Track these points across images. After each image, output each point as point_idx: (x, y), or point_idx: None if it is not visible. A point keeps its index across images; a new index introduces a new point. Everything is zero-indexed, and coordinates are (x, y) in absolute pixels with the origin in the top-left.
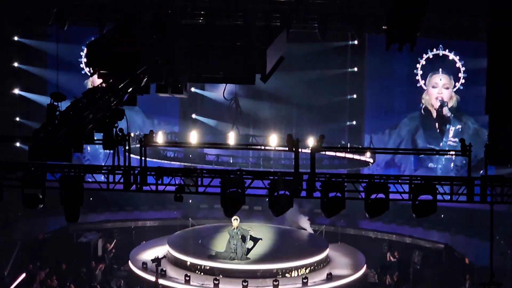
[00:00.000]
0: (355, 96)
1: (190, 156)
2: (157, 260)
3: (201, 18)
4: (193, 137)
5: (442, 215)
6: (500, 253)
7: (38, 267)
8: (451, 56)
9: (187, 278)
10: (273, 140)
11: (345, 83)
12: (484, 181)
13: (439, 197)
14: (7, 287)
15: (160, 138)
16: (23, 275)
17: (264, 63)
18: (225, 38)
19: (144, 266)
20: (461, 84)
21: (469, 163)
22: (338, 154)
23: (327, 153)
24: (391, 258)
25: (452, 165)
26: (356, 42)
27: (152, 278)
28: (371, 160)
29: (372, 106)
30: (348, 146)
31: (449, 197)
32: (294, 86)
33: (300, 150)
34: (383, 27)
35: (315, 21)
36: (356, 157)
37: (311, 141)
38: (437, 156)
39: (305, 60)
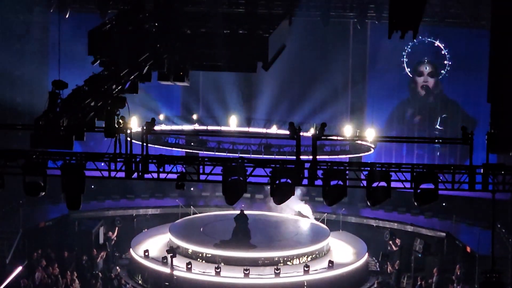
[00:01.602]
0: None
1: (192, 143)
2: (172, 251)
3: (203, 6)
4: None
5: (444, 204)
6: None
7: (39, 255)
8: (437, 43)
9: (189, 266)
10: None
11: (347, 67)
12: (486, 169)
13: (440, 185)
14: (9, 275)
15: (162, 119)
16: (25, 262)
17: (266, 51)
18: (227, 26)
19: (146, 254)
20: (446, 72)
21: (470, 152)
22: (340, 138)
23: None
24: (393, 246)
25: (438, 152)
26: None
27: (155, 266)
28: (373, 145)
29: (372, 93)
30: (350, 130)
31: (450, 185)
32: (296, 70)
33: (301, 133)
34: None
35: (317, 8)
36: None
37: (312, 127)
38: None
39: (307, 44)
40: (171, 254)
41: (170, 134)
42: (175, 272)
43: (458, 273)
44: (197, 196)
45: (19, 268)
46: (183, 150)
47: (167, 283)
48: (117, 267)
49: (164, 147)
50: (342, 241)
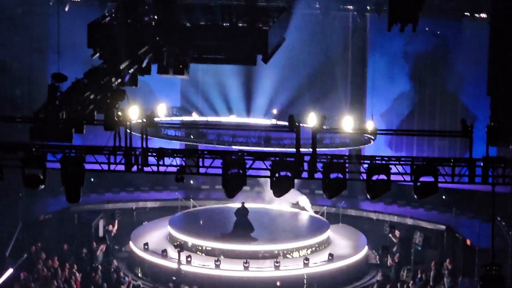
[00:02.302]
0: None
1: (192, 136)
2: (179, 246)
3: None
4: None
5: (444, 196)
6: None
7: (39, 248)
8: (436, 35)
9: (189, 259)
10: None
11: (347, 60)
12: (486, 162)
13: (440, 178)
14: (9, 268)
15: (162, 110)
16: (24, 256)
17: (265, 44)
18: (226, 19)
19: (145, 247)
20: (446, 64)
21: (470, 145)
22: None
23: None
24: (393, 239)
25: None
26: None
27: (155, 259)
28: (373, 137)
29: (372, 85)
30: (350, 122)
31: (450, 178)
32: (295, 63)
33: (301, 124)
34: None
35: (317, 1)
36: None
37: (312, 119)
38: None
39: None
40: (179, 249)
41: (170, 127)
42: (181, 267)
43: (449, 267)
44: (196, 189)
45: (19, 261)
46: (182, 142)
47: (174, 278)
48: (114, 260)
49: (163, 139)
50: (342, 234)
